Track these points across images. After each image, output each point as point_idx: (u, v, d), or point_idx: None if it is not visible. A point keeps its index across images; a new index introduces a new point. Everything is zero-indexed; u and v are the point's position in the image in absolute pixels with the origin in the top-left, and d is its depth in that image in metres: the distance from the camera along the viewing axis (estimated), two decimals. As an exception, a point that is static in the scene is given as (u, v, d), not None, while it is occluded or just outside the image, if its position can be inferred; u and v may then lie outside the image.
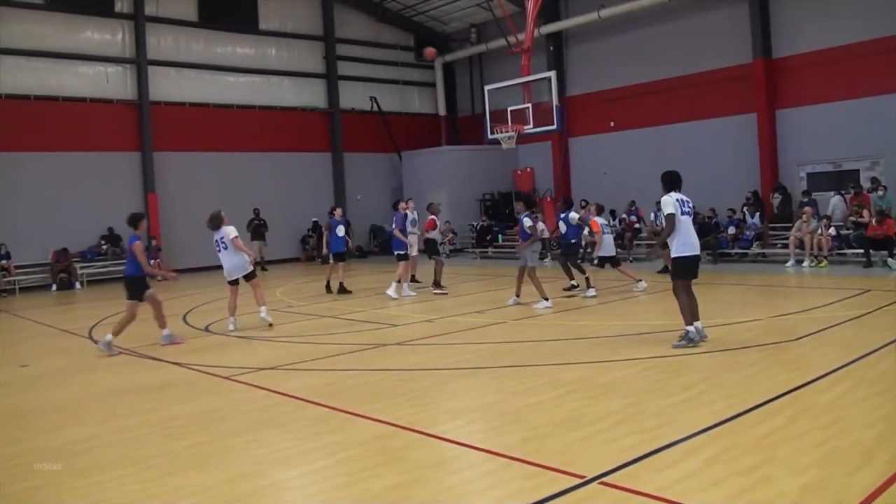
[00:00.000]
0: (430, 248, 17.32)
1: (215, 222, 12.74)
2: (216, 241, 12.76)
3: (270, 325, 12.97)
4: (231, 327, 12.85)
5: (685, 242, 9.55)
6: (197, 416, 7.57)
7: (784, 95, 23.41)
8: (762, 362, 8.65)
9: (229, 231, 12.71)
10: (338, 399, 7.83)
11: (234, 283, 13.03)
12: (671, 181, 9.79)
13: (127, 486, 5.66)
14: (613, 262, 15.52)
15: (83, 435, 7.11)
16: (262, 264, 27.44)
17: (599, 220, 15.52)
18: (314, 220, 29.33)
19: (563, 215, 16.01)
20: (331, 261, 17.91)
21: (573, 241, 15.81)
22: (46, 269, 23.63)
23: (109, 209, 25.06)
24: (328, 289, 17.94)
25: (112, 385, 9.41)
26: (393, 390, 8.23)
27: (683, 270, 9.62)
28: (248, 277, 12.97)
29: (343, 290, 17.57)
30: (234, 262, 12.82)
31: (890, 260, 17.05)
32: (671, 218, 9.48)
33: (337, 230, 17.77)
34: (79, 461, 6.31)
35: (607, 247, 15.42)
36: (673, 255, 9.71)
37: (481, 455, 5.92)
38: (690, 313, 9.48)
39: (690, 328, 9.44)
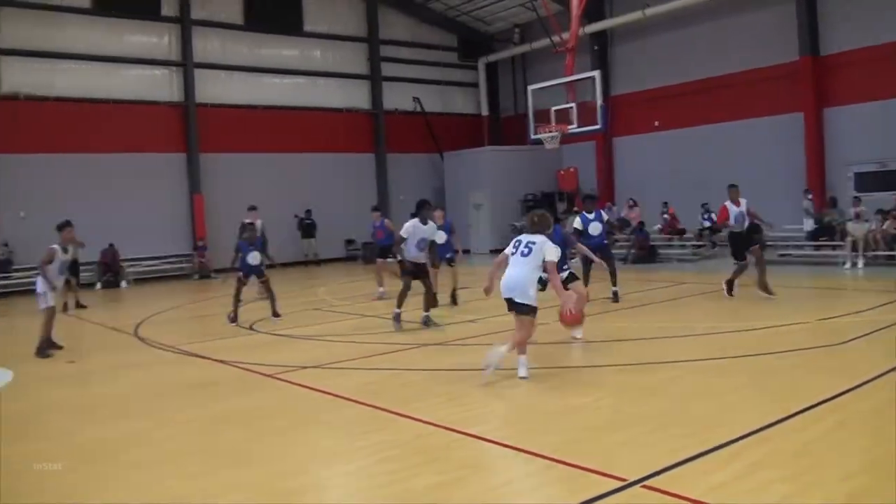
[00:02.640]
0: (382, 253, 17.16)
1: None
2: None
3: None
4: None
5: None
6: (241, 414, 7.66)
7: (831, 94, 23.04)
8: (808, 365, 8.54)
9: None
10: (379, 398, 7.87)
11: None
12: None
13: (172, 481, 5.76)
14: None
15: (128, 430, 7.24)
16: (315, 261, 28.46)
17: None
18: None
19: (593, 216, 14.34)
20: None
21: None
22: (94, 267, 23.98)
23: (156, 210, 25.53)
24: (453, 300, 15.24)
25: (158, 382, 9.57)
26: (434, 390, 8.25)
27: None
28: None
29: (454, 299, 15.26)
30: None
31: None
32: None
33: (438, 236, 14.11)
34: (124, 456, 6.43)
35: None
36: None
37: (522, 456, 5.92)
38: None
39: None
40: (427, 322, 12.51)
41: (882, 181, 21.74)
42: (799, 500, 4.75)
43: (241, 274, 14.15)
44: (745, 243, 14.12)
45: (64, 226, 11.71)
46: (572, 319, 9.17)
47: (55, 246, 11.42)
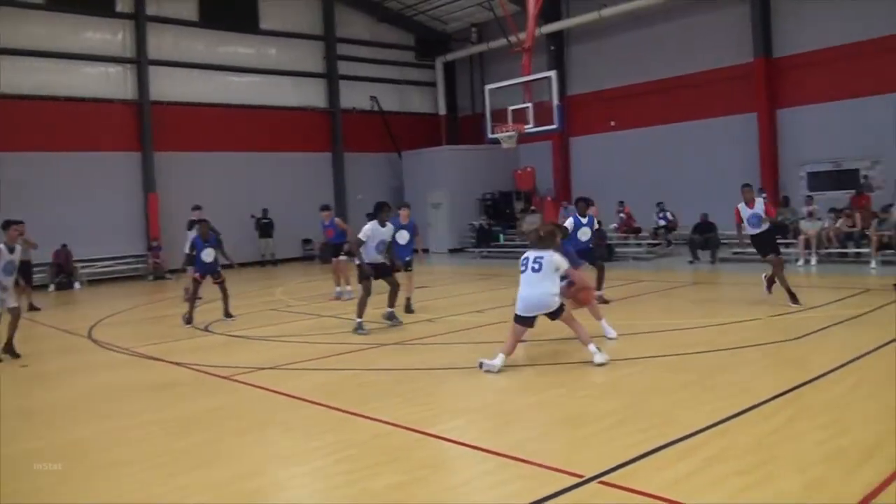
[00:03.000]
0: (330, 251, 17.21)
1: None
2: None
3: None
4: None
5: None
6: (199, 416, 7.58)
7: (785, 95, 23.43)
8: (762, 361, 8.66)
9: None
10: (337, 398, 7.82)
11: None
12: None
13: (131, 485, 5.67)
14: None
15: (86, 434, 7.12)
16: (272, 261, 28.26)
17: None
18: None
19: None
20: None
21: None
22: (46, 268, 23.57)
23: (110, 210, 25.18)
24: (408, 308, 14.08)
25: (114, 385, 9.42)
26: (392, 390, 8.23)
27: None
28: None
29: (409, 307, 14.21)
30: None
31: None
32: None
33: (400, 236, 13.98)
34: (83, 461, 6.32)
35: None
36: None
37: (481, 454, 5.92)
38: None
39: None
40: (391, 317, 12.46)
41: (835, 180, 22.13)
42: (754, 493, 4.81)
43: (196, 274, 13.96)
44: (767, 246, 12.90)
45: (7, 225, 11.46)
46: (585, 297, 9.72)
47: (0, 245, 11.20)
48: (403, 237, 13.98)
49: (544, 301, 8.61)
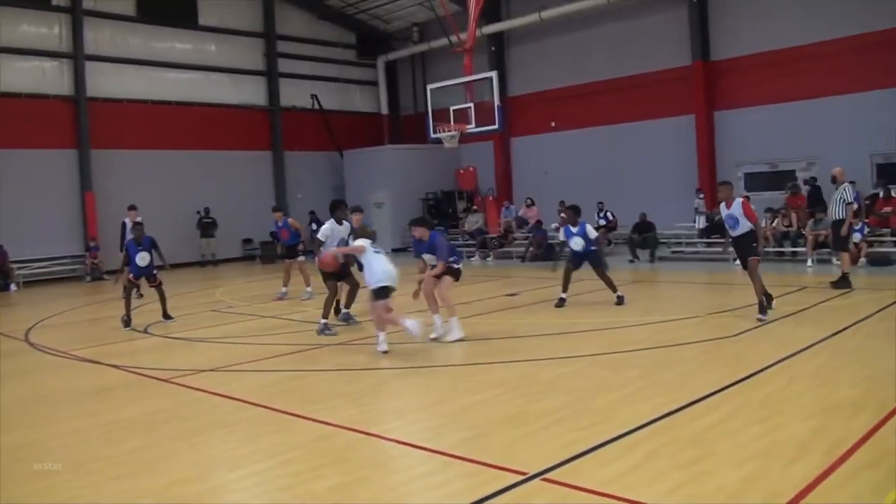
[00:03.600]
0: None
1: None
2: None
3: None
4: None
5: None
6: (138, 420, 7.44)
7: (722, 97, 23.88)
8: (700, 358, 8.81)
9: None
10: (279, 400, 7.76)
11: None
12: None
13: (69, 491, 5.55)
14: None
15: (22, 440, 6.94)
16: (213, 262, 27.82)
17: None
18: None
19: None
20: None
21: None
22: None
23: (46, 209, 24.62)
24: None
25: (50, 389, 9.21)
26: (335, 391, 8.20)
27: None
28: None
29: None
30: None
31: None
32: None
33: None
34: (17, 467, 6.17)
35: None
36: None
37: (423, 454, 5.93)
38: None
39: None
40: (347, 318, 12.39)
41: (772, 181, 22.63)
42: (693, 487, 4.89)
43: (131, 276, 13.73)
44: (744, 250, 11.62)
45: None
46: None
47: None
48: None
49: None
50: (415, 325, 9.59)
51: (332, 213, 12.50)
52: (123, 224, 17.13)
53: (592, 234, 13.54)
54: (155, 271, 13.98)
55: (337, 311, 12.71)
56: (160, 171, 27.21)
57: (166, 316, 13.97)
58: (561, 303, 13.36)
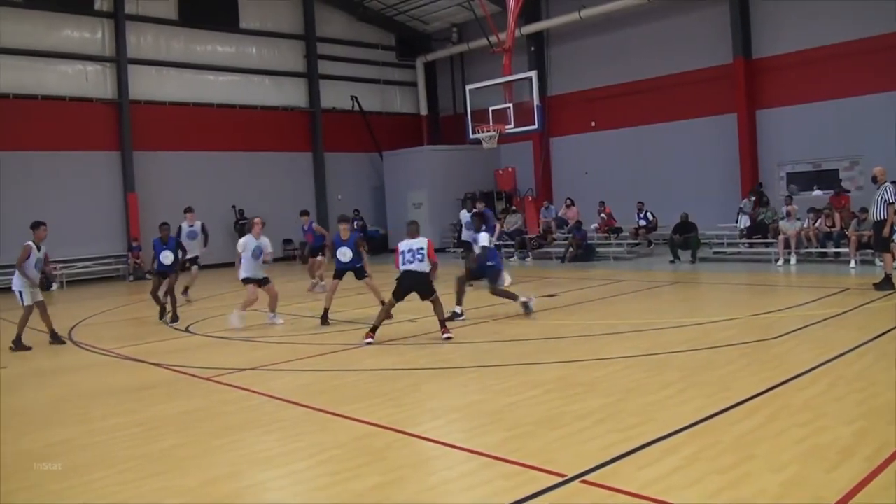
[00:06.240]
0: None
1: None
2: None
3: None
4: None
5: None
6: (177, 418, 7.53)
7: (764, 96, 23.58)
8: (741, 360, 8.70)
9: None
10: (318, 399, 7.81)
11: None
12: None
13: (106, 488, 5.61)
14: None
15: (61, 437, 7.05)
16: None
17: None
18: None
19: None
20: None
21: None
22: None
23: (89, 210, 25.00)
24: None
25: (91, 387, 9.35)
26: (373, 390, 8.21)
27: None
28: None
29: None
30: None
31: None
32: None
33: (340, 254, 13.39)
34: (58, 462, 6.24)
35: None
36: None
37: (462, 454, 5.92)
38: None
39: None
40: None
41: (815, 180, 22.31)
42: (733, 491, 4.83)
43: (157, 275, 14.49)
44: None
45: (37, 225, 12.31)
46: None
47: (30, 243, 12.01)
48: (345, 255, 13.16)
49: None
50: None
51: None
52: (179, 228, 17.29)
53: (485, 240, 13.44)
54: (176, 268, 14.59)
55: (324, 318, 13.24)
56: (201, 172, 27.55)
57: (175, 317, 14.36)
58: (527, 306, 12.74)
